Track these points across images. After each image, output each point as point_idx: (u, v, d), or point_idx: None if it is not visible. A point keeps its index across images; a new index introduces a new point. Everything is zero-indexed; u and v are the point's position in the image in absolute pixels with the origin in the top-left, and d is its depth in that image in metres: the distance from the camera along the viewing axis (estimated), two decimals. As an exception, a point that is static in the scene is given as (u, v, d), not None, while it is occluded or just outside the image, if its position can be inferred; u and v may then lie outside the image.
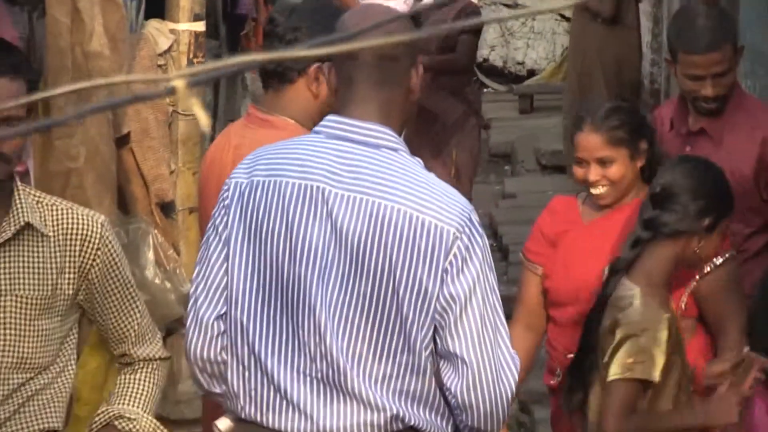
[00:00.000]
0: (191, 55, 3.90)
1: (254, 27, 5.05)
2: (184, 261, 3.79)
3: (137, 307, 2.52)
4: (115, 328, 2.49)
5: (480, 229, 2.05)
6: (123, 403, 2.49)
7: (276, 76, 2.61)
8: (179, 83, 0.70)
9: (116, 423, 2.44)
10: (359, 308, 2.05)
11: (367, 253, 2.03)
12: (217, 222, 2.14)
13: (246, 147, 2.45)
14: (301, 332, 2.11)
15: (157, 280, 3.64)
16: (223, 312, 2.16)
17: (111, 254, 2.45)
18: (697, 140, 3.05)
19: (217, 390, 2.20)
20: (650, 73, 7.43)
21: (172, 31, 3.90)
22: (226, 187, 2.14)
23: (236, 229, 2.11)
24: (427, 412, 2.13)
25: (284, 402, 2.16)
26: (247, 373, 2.18)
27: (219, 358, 2.16)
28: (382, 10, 2.42)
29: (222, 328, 2.15)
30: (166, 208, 3.86)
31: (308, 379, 2.14)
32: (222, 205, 2.13)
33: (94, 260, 2.41)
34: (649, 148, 2.71)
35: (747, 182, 3.00)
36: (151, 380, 2.56)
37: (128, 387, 2.52)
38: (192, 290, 2.21)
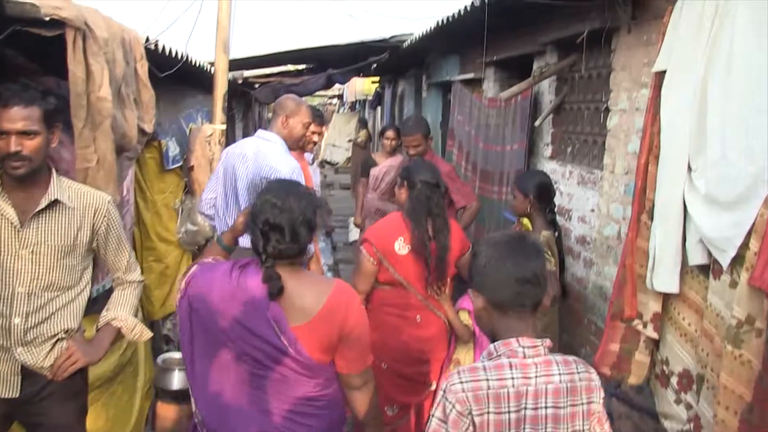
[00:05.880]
0: (219, 138, 5.73)
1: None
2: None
3: (127, 250, 2.92)
4: (113, 262, 2.91)
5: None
6: (116, 310, 2.93)
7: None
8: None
9: (113, 323, 2.90)
10: None
11: None
12: (219, 173, 3.98)
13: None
14: None
15: (200, 220, 5.37)
16: (211, 201, 4.00)
17: (112, 219, 2.83)
18: None
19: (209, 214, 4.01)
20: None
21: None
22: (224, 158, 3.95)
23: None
24: None
25: None
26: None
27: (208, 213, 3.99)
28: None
29: (210, 208, 3.99)
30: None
31: None
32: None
33: (101, 222, 2.80)
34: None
35: None
36: (134, 294, 2.98)
37: (120, 299, 2.96)
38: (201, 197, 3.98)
